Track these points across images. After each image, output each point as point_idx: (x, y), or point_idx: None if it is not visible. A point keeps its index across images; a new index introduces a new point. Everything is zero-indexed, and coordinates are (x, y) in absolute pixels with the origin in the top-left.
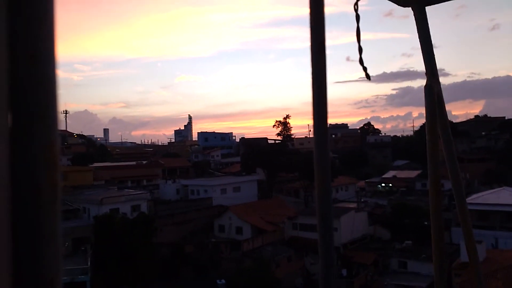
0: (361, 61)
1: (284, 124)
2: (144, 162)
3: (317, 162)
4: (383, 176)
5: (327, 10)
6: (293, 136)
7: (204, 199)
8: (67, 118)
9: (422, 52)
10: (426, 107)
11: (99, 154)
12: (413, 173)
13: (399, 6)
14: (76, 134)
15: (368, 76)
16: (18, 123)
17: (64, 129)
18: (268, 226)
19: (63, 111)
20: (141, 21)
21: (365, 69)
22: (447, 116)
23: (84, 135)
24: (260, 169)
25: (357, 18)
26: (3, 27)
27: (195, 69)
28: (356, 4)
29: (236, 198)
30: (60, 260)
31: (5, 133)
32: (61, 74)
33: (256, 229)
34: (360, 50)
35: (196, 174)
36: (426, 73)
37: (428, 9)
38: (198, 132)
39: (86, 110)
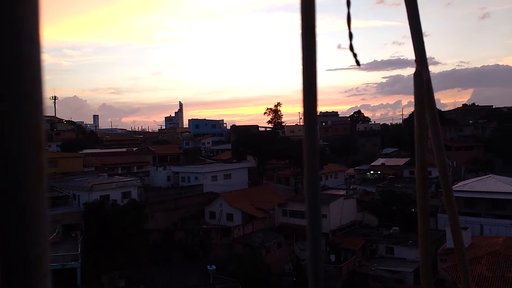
0: (351, 47)
1: (275, 112)
2: (135, 149)
3: (306, 149)
4: (372, 164)
5: None
6: (284, 124)
7: (195, 186)
8: (56, 104)
9: (412, 39)
10: (415, 95)
11: (89, 140)
12: (401, 161)
13: None
14: (65, 120)
15: (358, 62)
16: (2, 105)
17: (53, 115)
18: (258, 212)
19: (52, 97)
20: (132, 3)
21: (355, 55)
22: (435, 104)
23: (73, 122)
24: (250, 157)
25: (348, 3)
26: None
27: (186, 55)
28: None
29: (227, 185)
30: (46, 239)
31: None
32: (50, 59)
33: (246, 215)
34: (351, 36)
35: (187, 161)
36: (416, 61)
37: None
38: (189, 119)
39: (75, 96)
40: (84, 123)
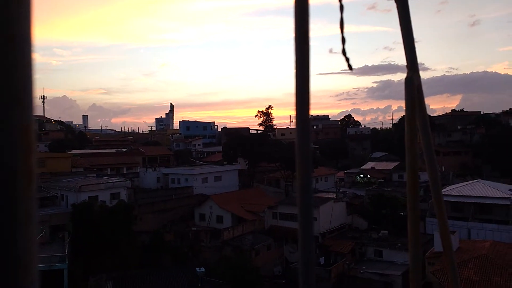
0: (344, 52)
1: (266, 115)
2: (124, 150)
3: (299, 152)
4: (362, 168)
5: (311, 1)
6: (275, 127)
7: (185, 188)
8: (44, 104)
9: (404, 45)
10: (406, 100)
11: (77, 141)
12: (390, 165)
13: None
14: (54, 120)
15: (350, 67)
16: None
17: (42, 114)
18: (248, 215)
19: (41, 96)
20: (124, 3)
21: (347, 59)
22: (426, 109)
23: (62, 122)
24: (241, 159)
25: (341, 8)
26: None
27: (178, 57)
28: None
29: (217, 187)
30: (35, 243)
31: None
32: (40, 58)
33: (236, 218)
34: (343, 41)
35: (177, 162)
36: (407, 66)
37: (411, 3)
38: (179, 121)
39: (65, 96)
40: (74, 123)
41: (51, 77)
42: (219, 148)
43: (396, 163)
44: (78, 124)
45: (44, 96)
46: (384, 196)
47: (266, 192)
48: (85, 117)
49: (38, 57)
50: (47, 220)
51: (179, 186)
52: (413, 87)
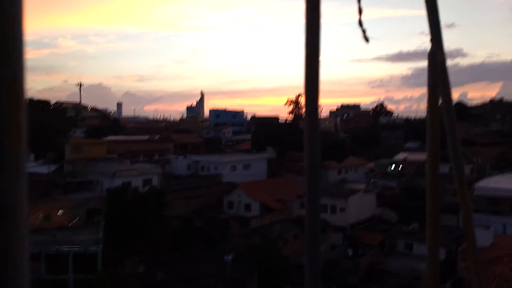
0: (360, 23)
1: (295, 103)
2: (156, 137)
3: (307, 145)
4: (394, 158)
5: None
6: (304, 115)
7: (214, 176)
8: (81, 91)
9: (428, 17)
10: (428, 76)
11: (112, 127)
12: (424, 156)
13: None
14: (90, 107)
15: (367, 39)
16: None
17: (79, 102)
18: (276, 204)
19: (78, 84)
20: None
21: (363, 31)
22: (450, 88)
23: (97, 109)
24: (270, 148)
25: None
26: None
27: (208, 43)
28: None
29: (246, 176)
30: (24, 196)
31: None
32: (76, 46)
33: (264, 206)
34: (360, 11)
35: (207, 150)
36: (431, 40)
37: None
38: (210, 109)
39: (100, 83)
40: (108, 110)
41: (87, 65)
42: (248, 136)
43: None
44: (112, 111)
45: (81, 83)
46: (416, 188)
47: (295, 181)
48: (119, 105)
49: (74, 45)
50: (82, 204)
51: (208, 173)
52: (436, 62)
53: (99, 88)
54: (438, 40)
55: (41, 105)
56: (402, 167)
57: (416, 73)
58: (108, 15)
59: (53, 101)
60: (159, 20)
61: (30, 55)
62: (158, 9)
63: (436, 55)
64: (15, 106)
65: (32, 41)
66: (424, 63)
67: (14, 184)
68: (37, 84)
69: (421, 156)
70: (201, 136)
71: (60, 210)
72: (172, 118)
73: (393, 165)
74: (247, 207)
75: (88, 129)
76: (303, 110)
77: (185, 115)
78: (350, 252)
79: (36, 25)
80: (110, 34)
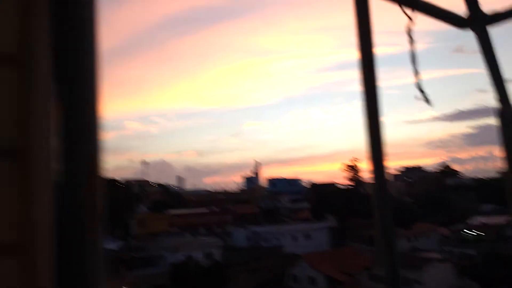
0: (418, 86)
1: (353, 168)
2: (216, 209)
3: (377, 209)
4: (469, 222)
5: (391, 50)
6: (363, 180)
7: (275, 247)
8: (145, 168)
9: (489, 76)
10: (501, 138)
11: (174, 201)
12: (502, 218)
13: (460, 30)
14: (154, 183)
15: (428, 100)
16: (66, 140)
17: (143, 178)
18: (343, 276)
19: (143, 162)
20: (209, 74)
21: (423, 92)
22: None
23: (160, 184)
24: (330, 215)
25: (411, 41)
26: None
27: (262, 115)
28: (408, 28)
29: (308, 246)
30: (102, 275)
31: (52, 152)
32: (140, 127)
33: (330, 279)
34: (417, 73)
35: (266, 220)
36: (497, 99)
37: (497, 32)
38: (266, 178)
39: (162, 159)
40: (170, 184)
41: (150, 143)
42: (307, 205)
43: (509, 216)
44: (174, 185)
45: (145, 161)
46: (499, 254)
47: (361, 251)
48: (179, 179)
49: (139, 126)
50: (148, 280)
51: (269, 244)
52: (508, 122)
53: (161, 164)
54: (505, 98)
55: (110, 183)
56: (479, 232)
57: (479, 131)
58: (168, 97)
59: (120, 179)
60: (214, 98)
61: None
62: (212, 87)
63: (506, 114)
64: (93, 183)
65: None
66: (485, 121)
67: (92, 261)
68: (106, 164)
69: (499, 220)
70: (258, 206)
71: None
72: (230, 189)
73: (469, 231)
74: (312, 280)
75: (151, 204)
76: (361, 174)
77: (242, 186)
78: None
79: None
80: (170, 114)
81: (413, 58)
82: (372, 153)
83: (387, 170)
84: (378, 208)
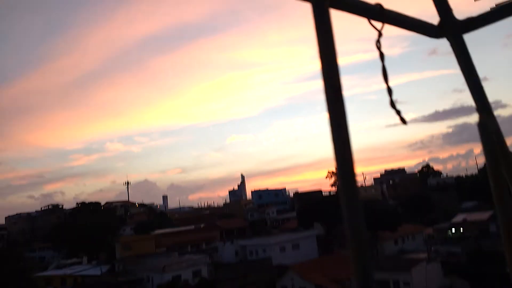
0: (392, 104)
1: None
2: (202, 225)
3: (347, 216)
4: (453, 221)
5: (369, 56)
6: None
7: (263, 260)
8: (128, 189)
9: (468, 85)
10: (483, 149)
11: (159, 221)
12: (485, 215)
13: (434, 39)
14: (138, 204)
15: (403, 120)
16: None
17: (127, 199)
18: (333, 284)
19: (125, 183)
20: (191, 91)
21: (398, 112)
22: (511, 155)
23: (144, 204)
24: (318, 224)
25: (381, 56)
26: None
27: (244, 128)
28: (378, 41)
29: (296, 256)
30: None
31: None
32: (123, 147)
33: None
34: (390, 91)
35: (253, 233)
36: (477, 109)
37: (471, 39)
38: (251, 191)
39: (146, 179)
40: (155, 204)
41: (133, 163)
42: (293, 214)
43: (491, 212)
44: (159, 205)
45: (128, 182)
46: (483, 251)
47: (349, 257)
48: (164, 197)
49: (120, 147)
50: None
51: (257, 257)
52: (489, 132)
53: (145, 184)
54: (485, 107)
55: (92, 207)
56: (463, 229)
57: (457, 130)
58: (151, 116)
59: (103, 202)
60: (196, 115)
61: (81, 161)
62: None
63: (487, 124)
64: None
65: (82, 148)
66: (463, 119)
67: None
68: (88, 188)
69: (481, 216)
70: (245, 219)
71: None
72: (215, 204)
73: (453, 229)
74: None
75: (136, 226)
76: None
77: (228, 200)
78: None
79: (85, 133)
80: (154, 132)
81: (385, 74)
82: (339, 161)
83: (357, 177)
84: (349, 219)
